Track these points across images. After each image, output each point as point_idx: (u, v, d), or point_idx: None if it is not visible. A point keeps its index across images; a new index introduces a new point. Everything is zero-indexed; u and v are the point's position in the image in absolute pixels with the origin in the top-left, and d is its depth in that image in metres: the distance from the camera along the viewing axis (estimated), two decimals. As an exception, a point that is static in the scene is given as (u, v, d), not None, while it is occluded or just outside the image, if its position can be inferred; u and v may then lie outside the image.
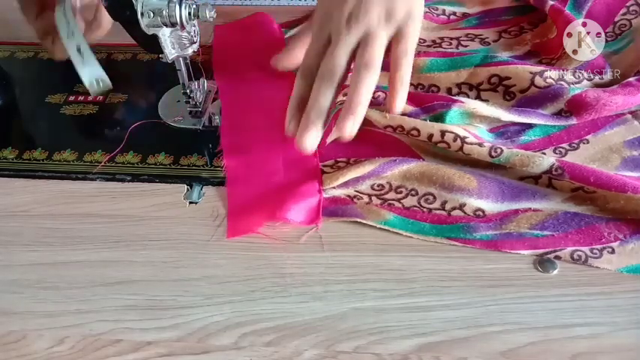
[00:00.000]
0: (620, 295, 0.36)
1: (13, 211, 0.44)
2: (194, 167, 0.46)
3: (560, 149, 0.46)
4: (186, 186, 0.45)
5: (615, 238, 0.39)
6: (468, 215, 0.41)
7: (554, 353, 0.33)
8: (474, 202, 0.42)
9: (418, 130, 0.44)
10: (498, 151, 0.43)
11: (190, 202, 0.44)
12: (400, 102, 0.39)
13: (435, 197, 0.43)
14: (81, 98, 0.54)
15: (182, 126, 0.50)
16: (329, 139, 0.46)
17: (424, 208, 0.42)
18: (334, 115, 0.42)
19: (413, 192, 0.43)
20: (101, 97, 0.54)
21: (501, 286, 0.37)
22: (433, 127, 0.44)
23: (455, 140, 0.43)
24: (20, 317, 0.36)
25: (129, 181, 0.46)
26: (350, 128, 0.38)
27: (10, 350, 0.35)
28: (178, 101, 0.52)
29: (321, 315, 0.36)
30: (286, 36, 0.60)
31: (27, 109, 0.55)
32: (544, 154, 0.45)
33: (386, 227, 0.41)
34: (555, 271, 0.38)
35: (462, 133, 0.44)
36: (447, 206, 0.42)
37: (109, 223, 0.42)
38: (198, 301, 0.37)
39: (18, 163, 0.48)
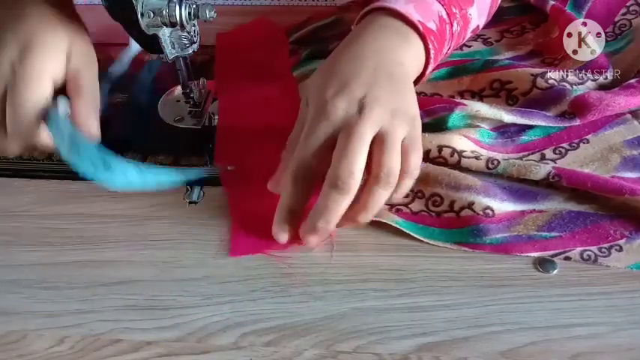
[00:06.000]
0: (620, 295, 0.36)
1: (13, 211, 0.44)
2: (194, 167, 0.46)
3: (561, 149, 0.46)
4: (186, 186, 0.45)
5: (622, 235, 0.39)
6: (478, 214, 0.40)
7: (554, 353, 0.33)
8: (482, 200, 0.41)
9: None
10: (495, 163, 0.43)
11: (190, 202, 0.44)
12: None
13: (442, 198, 0.42)
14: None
15: (182, 126, 0.50)
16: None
17: (432, 212, 0.42)
18: None
19: (419, 194, 0.43)
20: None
21: (501, 286, 0.37)
22: (431, 143, 0.44)
23: (452, 155, 0.43)
24: (20, 317, 0.36)
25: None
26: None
27: (10, 350, 0.35)
28: (178, 101, 0.52)
29: (321, 315, 0.36)
30: (290, 39, 0.59)
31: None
32: (543, 155, 0.45)
33: (397, 226, 0.40)
34: (555, 271, 0.38)
35: (459, 146, 0.44)
36: (456, 206, 0.41)
37: (109, 223, 0.42)
38: (198, 301, 0.37)
39: (18, 163, 0.48)
